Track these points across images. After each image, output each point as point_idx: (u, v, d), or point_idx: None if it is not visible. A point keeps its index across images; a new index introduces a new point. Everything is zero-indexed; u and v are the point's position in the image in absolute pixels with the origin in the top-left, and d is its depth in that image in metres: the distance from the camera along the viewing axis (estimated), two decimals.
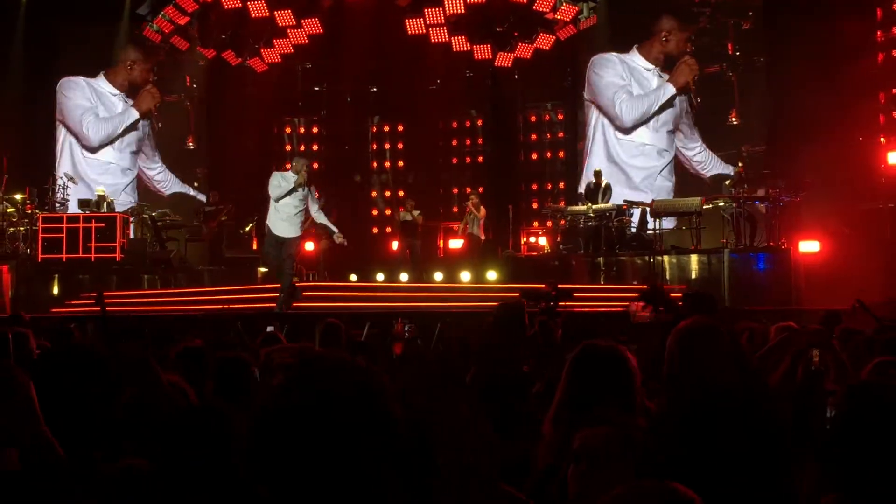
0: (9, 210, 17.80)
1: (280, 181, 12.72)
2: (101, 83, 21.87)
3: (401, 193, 22.00)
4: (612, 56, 20.80)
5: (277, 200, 12.67)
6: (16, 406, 2.27)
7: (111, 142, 21.81)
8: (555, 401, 3.19)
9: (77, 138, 21.84)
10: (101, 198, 18.97)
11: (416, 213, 19.03)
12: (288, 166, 13.19)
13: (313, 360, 1.75)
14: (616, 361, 3.17)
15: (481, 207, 19.42)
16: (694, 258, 16.69)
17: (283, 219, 12.77)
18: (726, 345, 3.19)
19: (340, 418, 1.64)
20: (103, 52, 21.74)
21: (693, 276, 16.51)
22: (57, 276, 17.23)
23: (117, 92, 21.86)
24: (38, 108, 21.56)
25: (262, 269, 18.81)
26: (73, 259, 17.17)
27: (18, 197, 17.99)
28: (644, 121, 20.42)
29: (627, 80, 20.64)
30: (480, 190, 21.91)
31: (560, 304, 5.83)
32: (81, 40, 21.78)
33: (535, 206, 21.91)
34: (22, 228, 17.85)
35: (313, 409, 1.65)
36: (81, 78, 21.91)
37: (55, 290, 17.11)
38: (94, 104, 21.90)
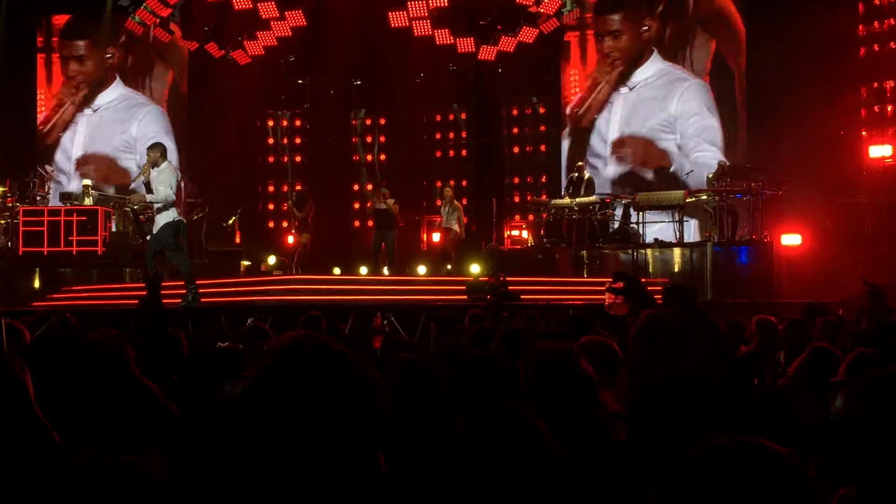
0: None
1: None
2: None
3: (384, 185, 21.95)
4: None
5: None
6: (10, 395, 2.25)
7: None
8: None
9: None
10: (87, 188, 18.87)
11: (390, 202, 17.64)
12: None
13: (302, 345, 1.76)
14: (571, 369, 3.11)
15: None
16: (677, 251, 16.76)
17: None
18: (692, 336, 3.14)
19: (326, 401, 1.66)
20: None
21: (676, 269, 16.57)
22: (38, 269, 17.12)
23: None
24: (18, 103, 21.40)
25: (246, 263, 18.84)
26: (55, 252, 17.06)
27: None
28: None
29: None
30: (464, 184, 21.91)
31: (505, 302, 5.77)
32: (63, 33, 21.69)
33: (517, 199, 21.92)
34: (2, 222, 17.73)
35: (301, 392, 1.66)
36: None
37: (36, 284, 17.01)
38: None
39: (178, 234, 12.25)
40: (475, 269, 17.03)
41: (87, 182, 19.38)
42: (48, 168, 19.32)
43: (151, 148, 12.32)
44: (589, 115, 20.69)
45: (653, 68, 20.13)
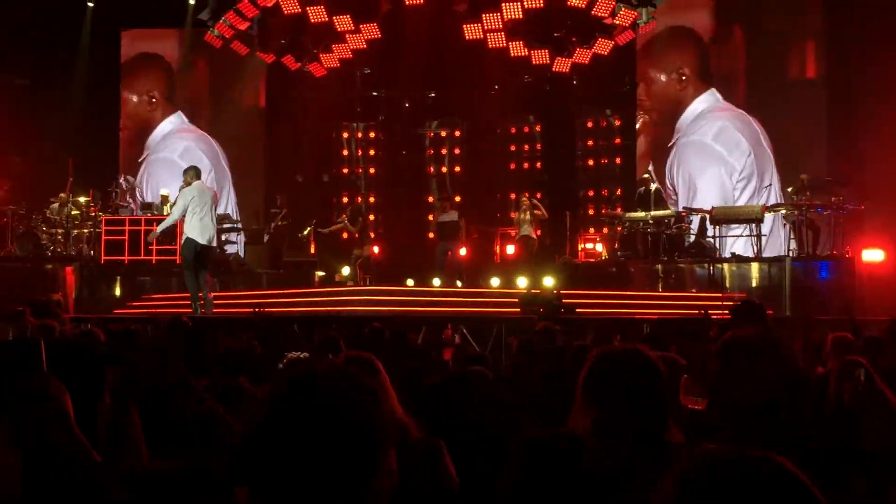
0: (73, 212, 18.14)
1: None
2: None
3: (457, 199, 21.96)
4: None
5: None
6: (50, 415, 2.26)
7: None
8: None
9: None
10: (165, 198, 19.25)
11: (454, 213, 18.07)
12: None
13: (301, 377, 1.80)
14: (639, 366, 2.92)
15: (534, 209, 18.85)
16: (755, 266, 16.41)
17: None
18: (768, 359, 3.09)
19: (324, 430, 1.69)
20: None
21: (754, 284, 16.23)
22: (119, 278, 17.51)
23: None
24: (102, 112, 21.96)
25: (320, 273, 19.00)
26: (135, 261, 17.42)
27: (82, 199, 18.32)
28: None
29: None
30: (538, 196, 21.84)
31: (558, 316, 5.78)
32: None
33: (591, 212, 21.77)
34: (86, 231, 18.17)
35: (298, 422, 1.69)
36: None
37: (117, 292, 17.39)
38: None
39: (198, 253, 12.79)
40: (548, 281, 16.93)
41: (166, 192, 19.77)
42: (129, 179, 19.75)
43: (185, 171, 13.19)
44: None
45: None
